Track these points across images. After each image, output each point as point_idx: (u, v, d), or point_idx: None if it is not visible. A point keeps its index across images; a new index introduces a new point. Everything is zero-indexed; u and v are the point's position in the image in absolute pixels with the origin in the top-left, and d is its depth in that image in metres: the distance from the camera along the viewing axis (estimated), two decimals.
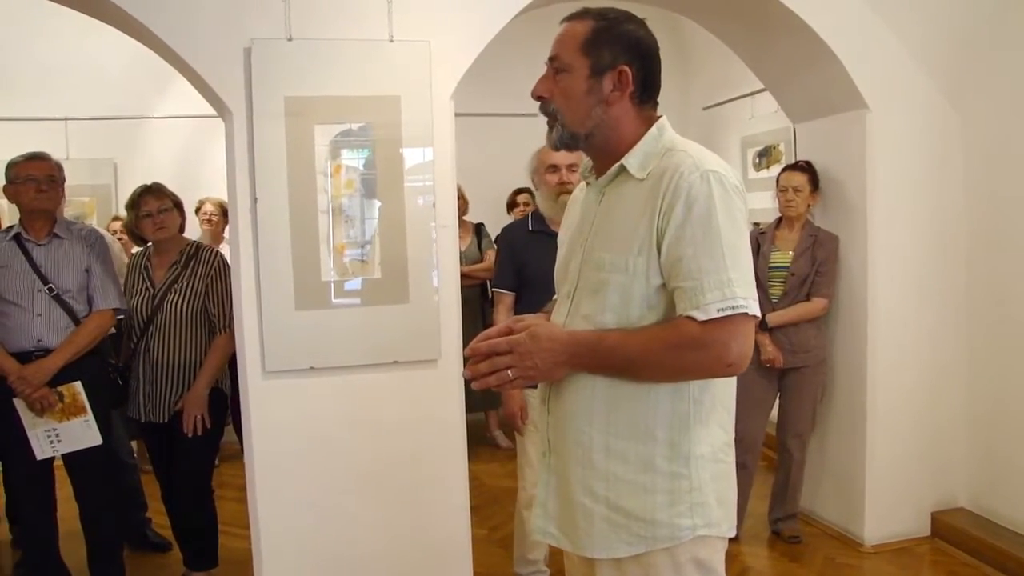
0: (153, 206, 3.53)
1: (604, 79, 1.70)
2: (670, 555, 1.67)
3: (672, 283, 1.60)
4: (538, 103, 1.79)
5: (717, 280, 1.54)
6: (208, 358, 3.50)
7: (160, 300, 3.51)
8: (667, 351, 1.59)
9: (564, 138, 1.76)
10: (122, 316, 3.61)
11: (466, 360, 1.71)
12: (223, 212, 5.24)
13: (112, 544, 3.55)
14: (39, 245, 3.36)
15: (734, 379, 1.76)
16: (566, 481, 1.75)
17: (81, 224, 3.68)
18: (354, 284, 3.25)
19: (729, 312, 1.54)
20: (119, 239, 5.08)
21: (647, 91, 1.74)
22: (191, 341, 3.52)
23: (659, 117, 1.76)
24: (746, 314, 1.56)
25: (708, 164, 1.61)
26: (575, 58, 1.71)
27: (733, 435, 1.77)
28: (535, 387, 1.87)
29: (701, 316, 1.54)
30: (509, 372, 1.65)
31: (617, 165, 1.72)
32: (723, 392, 1.72)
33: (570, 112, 1.73)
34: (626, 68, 1.69)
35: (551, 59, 1.76)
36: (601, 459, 1.68)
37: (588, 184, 1.85)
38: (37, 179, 3.31)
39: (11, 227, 3.43)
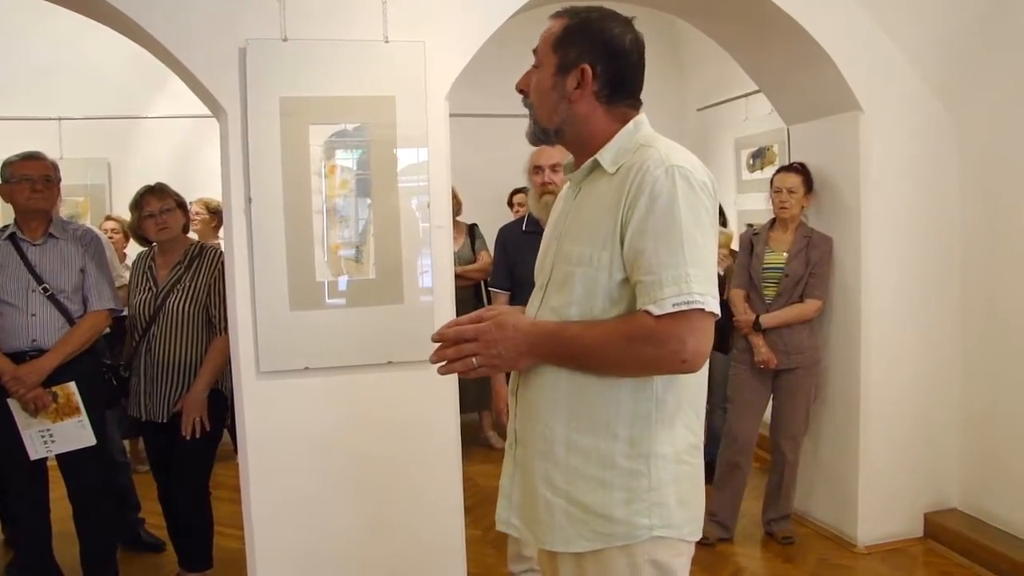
0: (155, 206, 3.51)
1: (568, 76, 1.73)
2: (627, 554, 1.67)
3: (633, 277, 1.60)
4: (521, 96, 1.83)
5: (675, 275, 1.54)
6: (207, 360, 3.49)
7: (163, 300, 3.50)
8: (624, 344, 1.59)
9: (536, 133, 1.82)
10: (118, 315, 3.61)
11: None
12: (210, 211, 5.24)
13: (106, 545, 3.54)
14: (34, 245, 3.36)
15: (704, 382, 1.76)
16: (530, 473, 1.76)
17: (77, 224, 3.66)
18: (348, 284, 3.25)
19: (684, 307, 1.53)
20: (111, 239, 5.07)
21: (617, 90, 1.75)
22: (193, 341, 3.51)
23: (637, 114, 1.77)
24: (703, 310, 1.55)
25: (675, 160, 1.61)
26: (546, 54, 1.76)
27: (701, 438, 1.77)
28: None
29: (657, 310, 1.54)
30: (474, 360, 1.67)
31: (591, 160, 1.74)
32: (691, 394, 1.72)
33: (540, 107, 1.78)
34: (587, 67, 1.71)
35: (533, 52, 1.81)
36: (562, 453, 1.69)
37: (569, 180, 1.87)
38: (32, 179, 3.30)
39: (6, 227, 3.42)
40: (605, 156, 1.71)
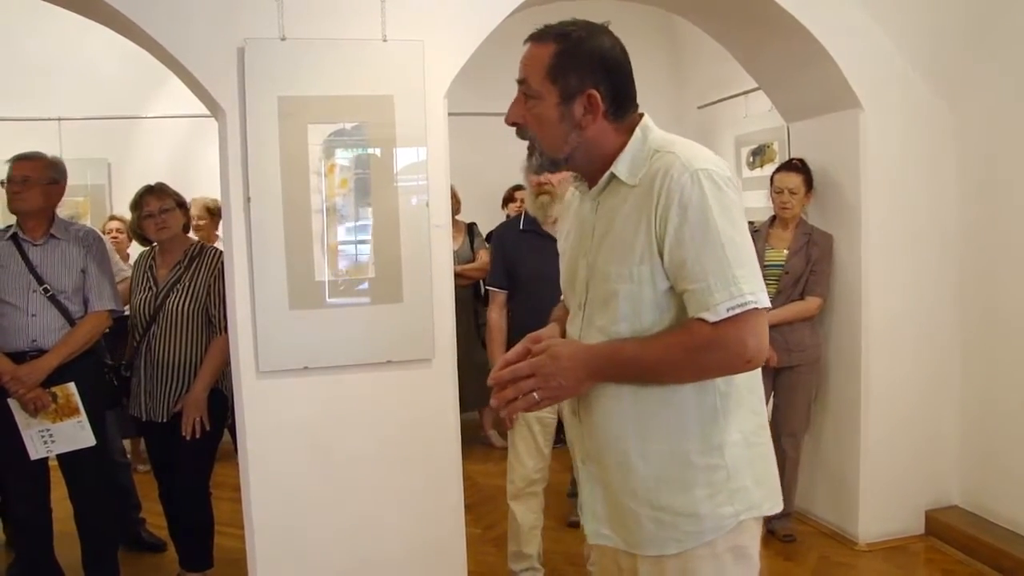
0: (154, 206, 3.51)
1: (574, 105, 1.68)
2: (709, 546, 1.69)
3: (680, 286, 1.61)
4: (515, 128, 1.77)
5: (723, 280, 1.55)
6: (206, 360, 3.49)
7: (162, 300, 3.50)
8: (685, 355, 1.60)
9: (545, 165, 1.77)
10: (117, 316, 3.60)
11: (490, 389, 1.71)
12: (208, 213, 5.25)
13: (107, 545, 3.54)
14: (35, 245, 3.35)
15: None
16: (610, 487, 1.77)
17: (79, 225, 3.65)
18: (347, 284, 3.25)
19: (739, 310, 1.55)
20: (115, 239, 5.07)
21: (621, 105, 1.71)
22: (192, 341, 3.51)
23: (641, 117, 1.74)
24: (756, 308, 1.56)
25: (697, 163, 1.60)
26: (543, 85, 1.69)
27: (765, 415, 1.79)
28: None
29: (712, 318, 1.55)
30: (535, 394, 1.65)
31: (608, 174, 1.71)
32: (748, 377, 1.73)
33: (546, 139, 1.72)
34: (594, 92, 1.67)
35: (520, 82, 1.74)
36: (639, 463, 1.70)
37: (581, 192, 1.84)
38: (13, 180, 3.30)
39: (9, 227, 3.42)
40: (621, 168, 1.69)
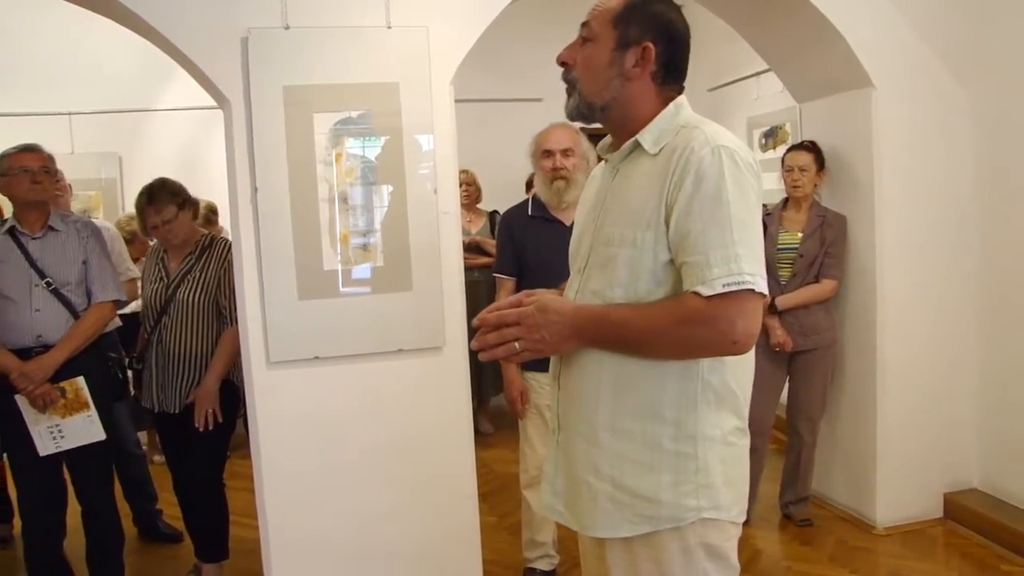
0: (156, 219, 3.45)
1: (627, 53, 1.71)
2: (679, 537, 1.65)
3: (680, 258, 1.58)
4: (561, 68, 1.79)
5: (724, 255, 1.52)
6: (217, 351, 3.48)
7: (173, 291, 3.50)
8: (672, 326, 1.57)
9: (580, 107, 1.77)
10: (129, 313, 3.59)
11: (476, 331, 1.70)
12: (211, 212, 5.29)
13: (111, 543, 3.51)
14: (34, 239, 3.31)
15: (751, 365, 1.74)
16: (573, 459, 1.75)
17: (76, 215, 3.62)
18: (357, 273, 3.23)
19: (735, 288, 1.52)
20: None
21: (670, 73, 1.74)
22: (203, 332, 3.51)
23: (678, 95, 1.76)
24: (752, 291, 1.53)
25: (720, 140, 1.60)
26: (604, 29, 1.72)
27: (747, 421, 1.75)
28: (544, 369, 1.84)
29: (706, 291, 1.52)
30: (516, 344, 1.65)
31: (632, 141, 1.72)
32: (737, 376, 1.70)
33: (588, 82, 1.74)
34: (650, 45, 1.70)
35: (583, 25, 1.77)
36: (607, 437, 1.68)
37: (606, 161, 1.85)
38: (32, 170, 3.26)
39: (5, 220, 3.38)
40: (647, 137, 1.70)
